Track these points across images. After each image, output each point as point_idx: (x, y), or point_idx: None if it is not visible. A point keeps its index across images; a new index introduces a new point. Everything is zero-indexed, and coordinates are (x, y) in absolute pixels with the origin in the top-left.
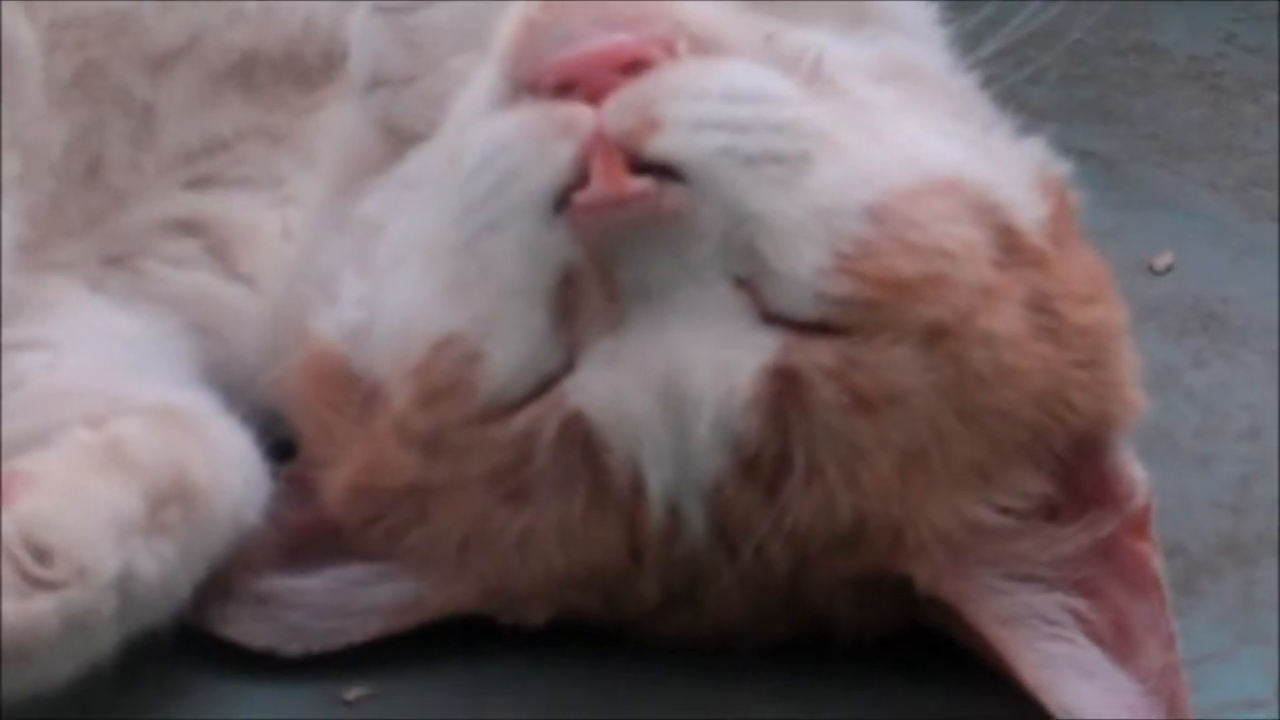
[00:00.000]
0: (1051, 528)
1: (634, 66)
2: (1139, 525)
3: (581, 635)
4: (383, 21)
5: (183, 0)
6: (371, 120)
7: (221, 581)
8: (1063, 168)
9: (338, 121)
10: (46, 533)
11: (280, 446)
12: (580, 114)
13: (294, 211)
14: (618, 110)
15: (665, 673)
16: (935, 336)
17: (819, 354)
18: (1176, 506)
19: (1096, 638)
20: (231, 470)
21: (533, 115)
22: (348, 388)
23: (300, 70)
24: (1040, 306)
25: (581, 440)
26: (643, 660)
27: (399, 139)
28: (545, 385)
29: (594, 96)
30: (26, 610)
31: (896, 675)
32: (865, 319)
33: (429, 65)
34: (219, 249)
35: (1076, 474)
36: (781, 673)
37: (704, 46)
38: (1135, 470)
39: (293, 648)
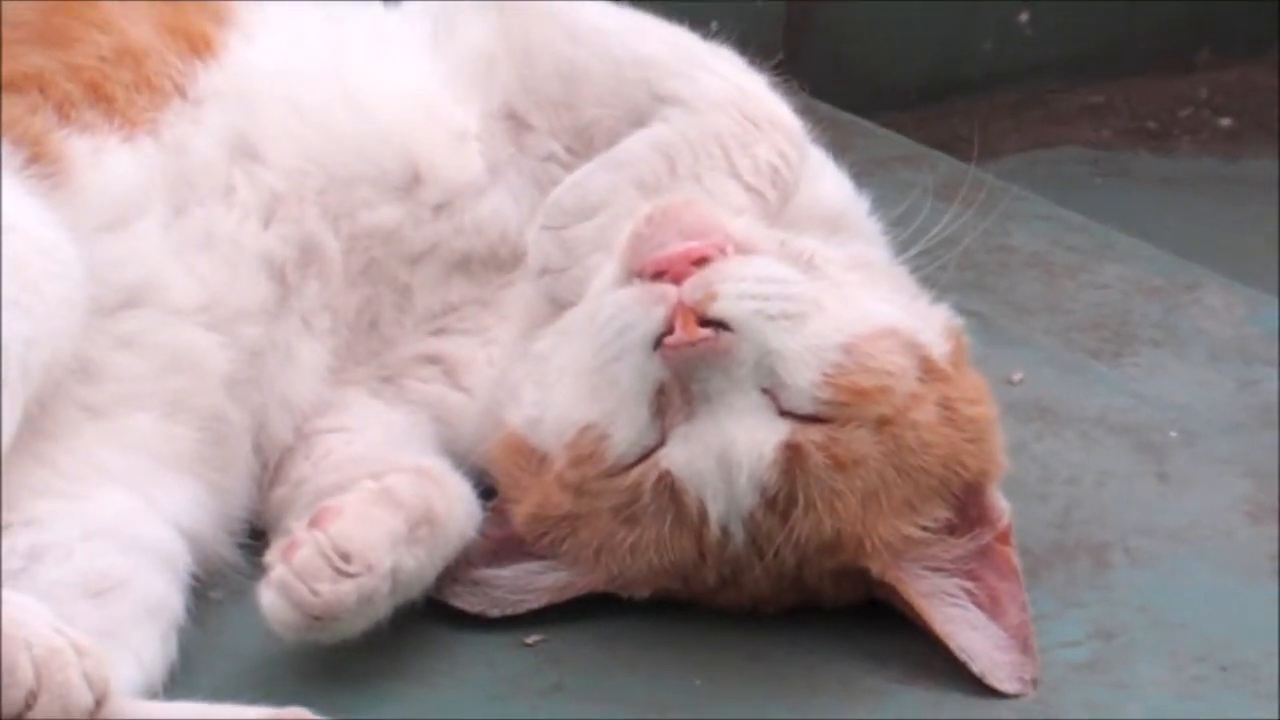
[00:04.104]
0: (952, 539)
1: (701, 261)
2: (1004, 536)
3: (668, 604)
4: (548, 234)
5: (428, 220)
6: (541, 294)
7: (452, 571)
8: (958, 321)
9: (521, 294)
10: (348, 543)
11: (486, 491)
12: (668, 290)
13: (495, 349)
14: (690, 288)
15: (720, 627)
16: (882, 424)
17: (813, 434)
18: (1026, 525)
19: (979, 605)
20: (459, 505)
21: (639, 291)
22: (527, 456)
23: (498, 262)
24: (945, 405)
25: (669, 488)
26: (706, 620)
27: (558, 305)
28: (646, 454)
29: (676, 279)
30: (336, 590)
31: (861, 628)
32: (840, 413)
33: (576, 261)
34: (450, 372)
35: (966, 506)
36: (786, 625)
37: (743, 248)
38: (1001, 503)
39: (494, 612)
